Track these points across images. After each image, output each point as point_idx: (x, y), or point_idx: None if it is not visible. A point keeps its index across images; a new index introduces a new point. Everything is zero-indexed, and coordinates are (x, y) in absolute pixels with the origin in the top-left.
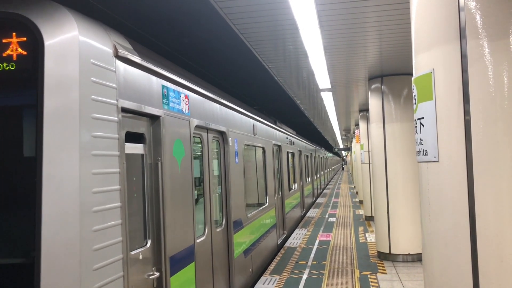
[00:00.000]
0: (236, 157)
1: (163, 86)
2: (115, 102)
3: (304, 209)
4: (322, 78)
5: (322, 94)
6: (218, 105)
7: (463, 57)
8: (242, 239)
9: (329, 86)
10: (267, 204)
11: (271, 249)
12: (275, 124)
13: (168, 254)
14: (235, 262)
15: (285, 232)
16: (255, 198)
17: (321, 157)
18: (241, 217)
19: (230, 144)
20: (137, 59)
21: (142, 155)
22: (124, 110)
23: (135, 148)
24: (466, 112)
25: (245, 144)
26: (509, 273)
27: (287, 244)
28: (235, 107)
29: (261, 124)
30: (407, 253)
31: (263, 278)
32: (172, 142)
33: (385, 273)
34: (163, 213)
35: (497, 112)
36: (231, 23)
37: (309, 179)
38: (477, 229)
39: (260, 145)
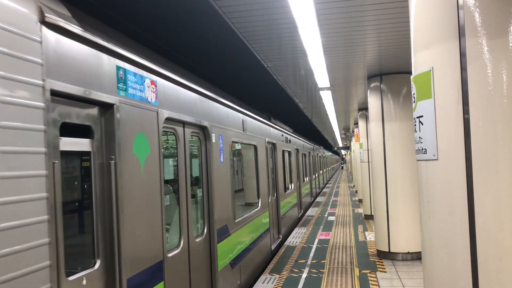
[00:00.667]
0: (221, 156)
1: (118, 68)
2: (41, 82)
3: (302, 211)
4: (321, 77)
5: (321, 93)
6: (198, 96)
7: (462, 55)
8: (228, 249)
9: (328, 85)
10: (259, 207)
11: (264, 256)
12: (269, 120)
13: (125, 275)
14: (220, 276)
15: (281, 236)
16: (245, 201)
17: (319, 156)
18: (227, 224)
19: (214, 140)
20: (77, 29)
21: (89, 153)
22: (57, 94)
23: (76, 144)
24: (465, 110)
25: (232, 141)
26: (508, 272)
27: (286, 243)
28: (220, 99)
29: (253, 120)
30: (407, 251)
31: (262, 277)
32: (131, 137)
33: (385, 272)
34: (117, 225)
35: (496, 110)
36: (230, 22)
37: (307, 179)
38: (477, 227)
39: (251, 142)
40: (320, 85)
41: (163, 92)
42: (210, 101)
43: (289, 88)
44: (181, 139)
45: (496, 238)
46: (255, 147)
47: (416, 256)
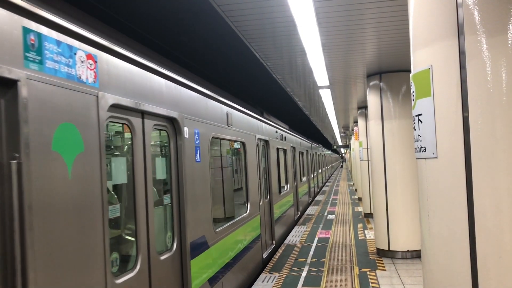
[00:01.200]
0: (198, 154)
1: (27, 30)
2: None
3: (299, 212)
4: (321, 76)
5: (321, 91)
6: (164, 81)
7: (461, 53)
8: (206, 264)
9: (328, 84)
10: (248, 212)
11: (254, 267)
12: (261, 115)
13: None
14: None
15: (274, 242)
16: (230, 206)
17: (318, 154)
18: (205, 234)
19: (186, 136)
20: None
21: None
22: None
23: None
24: (465, 108)
25: (213, 137)
26: (508, 269)
27: (286, 241)
28: (197, 87)
29: (240, 113)
30: (406, 250)
31: (262, 276)
32: (50, 128)
33: (384, 270)
34: (22, 250)
35: (495, 108)
36: (229, 20)
37: (304, 178)
38: (476, 225)
39: (238, 139)
40: (319, 83)
41: (108, 71)
42: (183, 89)
43: (288, 87)
44: (138, 133)
45: (496, 235)
46: (244, 144)
47: (416, 254)
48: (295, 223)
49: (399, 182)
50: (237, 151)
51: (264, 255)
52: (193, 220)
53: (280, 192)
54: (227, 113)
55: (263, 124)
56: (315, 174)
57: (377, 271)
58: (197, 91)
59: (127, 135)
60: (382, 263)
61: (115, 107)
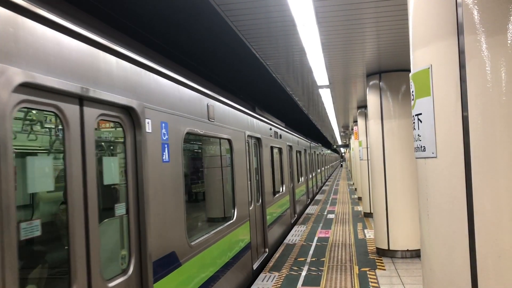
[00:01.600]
0: (165, 152)
1: None
2: None
3: (296, 215)
4: (320, 75)
5: (320, 91)
6: (116, 60)
7: (461, 52)
8: (177, 285)
9: (327, 83)
10: (234, 218)
11: (242, 280)
12: (253, 110)
13: None
14: None
15: (267, 250)
16: (212, 213)
17: (317, 154)
18: (175, 250)
19: (149, 130)
20: None
21: None
22: None
23: None
24: (464, 108)
25: (187, 133)
26: (507, 269)
27: (285, 241)
28: (165, 71)
29: (225, 107)
30: (406, 249)
31: (262, 275)
32: None
33: (384, 269)
34: None
35: (495, 107)
36: (229, 20)
37: (302, 179)
38: (475, 225)
39: (222, 135)
40: (319, 83)
41: (16, 37)
42: (144, 72)
43: (287, 86)
44: (73, 125)
45: (495, 235)
46: (230, 141)
47: (416, 254)
48: (291, 226)
49: (399, 181)
50: (221, 149)
51: (255, 266)
52: (158, 234)
53: (274, 194)
54: (208, 105)
55: (255, 120)
56: (313, 174)
57: (377, 271)
58: (165, 76)
59: (56, 127)
60: (382, 263)
61: (30, 87)
